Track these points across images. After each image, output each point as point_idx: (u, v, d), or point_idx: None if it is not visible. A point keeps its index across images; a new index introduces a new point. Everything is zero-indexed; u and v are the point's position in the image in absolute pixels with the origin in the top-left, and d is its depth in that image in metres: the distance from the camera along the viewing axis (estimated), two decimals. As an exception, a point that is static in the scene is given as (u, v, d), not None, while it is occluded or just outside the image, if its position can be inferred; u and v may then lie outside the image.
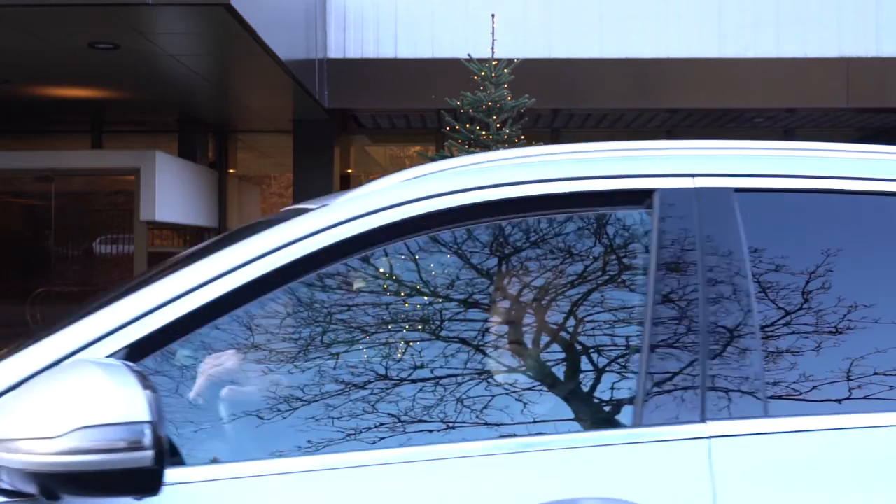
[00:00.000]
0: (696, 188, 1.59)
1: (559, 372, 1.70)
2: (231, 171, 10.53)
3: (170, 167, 8.38)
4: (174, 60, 6.47)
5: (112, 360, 1.31)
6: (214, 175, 9.86)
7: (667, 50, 8.60)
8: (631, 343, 1.56)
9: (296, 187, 9.07)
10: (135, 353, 1.40)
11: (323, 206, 1.65)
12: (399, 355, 1.66)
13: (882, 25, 8.60)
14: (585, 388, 1.65)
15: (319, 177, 9.03)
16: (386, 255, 1.66)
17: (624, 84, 8.59)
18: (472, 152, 7.14)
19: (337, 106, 8.54)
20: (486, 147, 7.30)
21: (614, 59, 8.58)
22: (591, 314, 1.82)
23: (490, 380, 1.62)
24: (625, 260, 1.70)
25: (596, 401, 1.65)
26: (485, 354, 1.69)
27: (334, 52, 8.66)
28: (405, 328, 1.67)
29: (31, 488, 1.20)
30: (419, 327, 1.66)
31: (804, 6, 8.60)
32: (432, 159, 7.53)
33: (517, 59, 7.73)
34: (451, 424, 1.67)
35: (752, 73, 8.54)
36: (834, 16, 8.60)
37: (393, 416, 1.66)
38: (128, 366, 1.26)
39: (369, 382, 1.59)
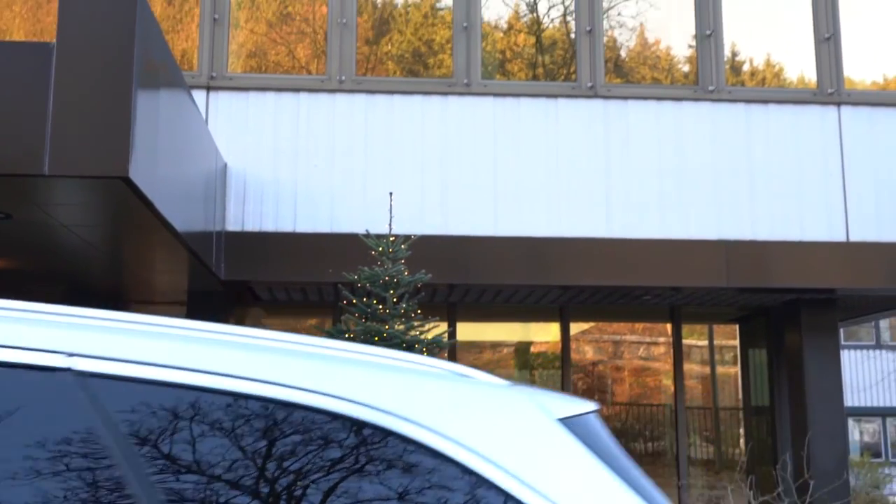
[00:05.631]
0: None
1: None
2: (120, 342, 10.25)
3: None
4: (68, 231, 6.39)
5: None
6: (102, 347, 9.57)
7: (558, 229, 8.95)
8: None
9: (188, 360, 8.85)
10: None
11: None
12: None
13: (756, 211, 9.17)
14: None
15: (213, 349, 8.85)
16: None
17: (518, 261, 8.84)
18: (370, 327, 7.17)
19: (233, 278, 8.50)
20: (382, 321, 7.33)
21: (508, 237, 8.86)
22: None
23: None
24: None
25: None
26: None
27: (232, 225, 8.70)
28: None
29: None
30: None
31: (685, 191, 9.13)
32: (329, 333, 7.50)
33: (414, 236, 7.92)
34: None
35: (639, 253, 8.92)
36: (713, 201, 9.14)
37: None
38: None
39: None
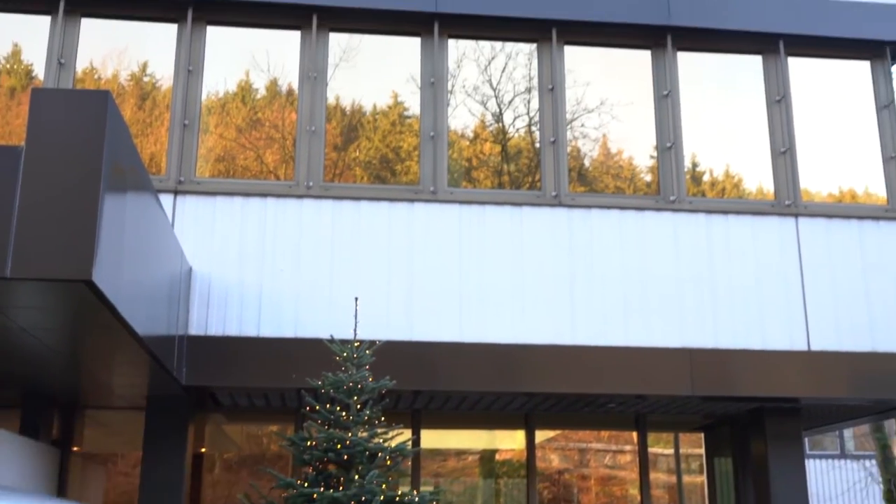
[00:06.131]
0: None
1: None
2: (75, 448, 9.98)
3: (9, 446, 7.88)
4: (26, 334, 6.29)
5: None
6: (56, 454, 9.31)
7: (523, 336, 8.95)
8: None
9: (144, 466, 8.64)
10: None
11: None
12: None
13: (719, 319, 9.25)
14: None
15: (171, 456, 8.66)
16: None
17: (483, 368, 8.81)
18: (332, 434, 7.06)
19: (195, 383, 8.37)
20: (345, 428, 7.23)
21: (473, 343, 8.85)
22: None
23: None
24: None
25: None
26: None
27: (196, 329, 8.61)
28: None
29: None
30: None
31: (648, 299, 9.21)
32: (291, 440, 7.37)
33: (379, 341, 7.89)
34: None
35: (603, 360, 8.93)
36: (676, 309, 9.22)
37: None
38: None
39: None
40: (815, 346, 9.32)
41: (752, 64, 10.31)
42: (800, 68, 10.35)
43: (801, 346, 9.30)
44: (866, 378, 9.25)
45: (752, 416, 10.04)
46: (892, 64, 10.57)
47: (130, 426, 9.87)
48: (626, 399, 9.42)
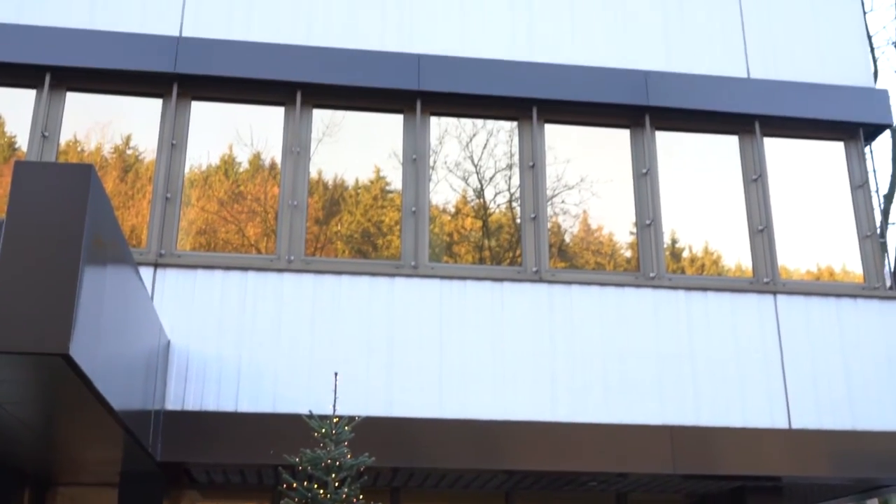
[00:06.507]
0: None
1: None
2: (45, 526, 9.73)
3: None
4: (-1, 408, 6.19)
5: None
6: (25, 531, 9.08)
7: (504, 412, 8.89)
8: None
9: (115, 546, 8.43)
10: None
11: None
12: None
13: (700, 396, 9.23)
14: None
15: (143, 535, 8.46)
16: None
17: (463, 444, 8.72)
18: (309, 512, 6.94)
19: (170, 459, 8.22)
20: (323, 507, 7.10)
21: (454, 420, 8.77)
22: None
23: None
24: None
25: None
26: None
27: (172, 404, 8.51)
28: None
29: None
30: None
31: (629, 375, 9.19)
32: (266, 518, 7.24)
33: (358, 417, 7.82)
34: None
35: (584, 437, 8.86)
36: (656, 385, 9.20)
37: None
38: None
39: None
40: (796, 424, 9.30)
41: (729, 144, 10.50)
42: (776, 148, 10.55)
43: (781, 423, 9.27)
44: (847, 457, 9.21)
45: (734, 495, 9.94)
46: (866, 145, 10.79)
47: (103, 503, 9.66)
48: (607, 477, 9.33)
